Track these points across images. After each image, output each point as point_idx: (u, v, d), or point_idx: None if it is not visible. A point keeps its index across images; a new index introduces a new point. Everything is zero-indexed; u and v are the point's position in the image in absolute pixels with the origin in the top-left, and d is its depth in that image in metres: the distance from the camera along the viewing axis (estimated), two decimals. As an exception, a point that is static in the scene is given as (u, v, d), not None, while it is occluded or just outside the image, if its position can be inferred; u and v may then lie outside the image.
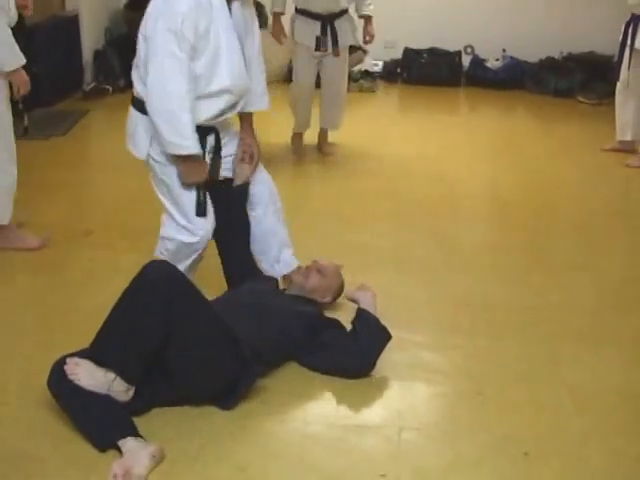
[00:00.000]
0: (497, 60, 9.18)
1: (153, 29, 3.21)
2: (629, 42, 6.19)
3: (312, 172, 6.17)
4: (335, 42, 5.97)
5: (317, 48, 5.97)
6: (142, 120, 3.40)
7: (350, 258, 4.33)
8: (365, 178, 5.90)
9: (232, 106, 3.47)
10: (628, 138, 6.58)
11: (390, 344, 3.31)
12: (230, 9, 3.36)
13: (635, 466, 2.82)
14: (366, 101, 8.56)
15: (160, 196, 3.56)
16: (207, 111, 3.37)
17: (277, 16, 6.13)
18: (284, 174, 6.01)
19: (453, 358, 3.47)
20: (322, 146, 6.54)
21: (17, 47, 4.12)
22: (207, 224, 3.51)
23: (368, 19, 6.21)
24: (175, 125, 3.24)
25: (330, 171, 6.12)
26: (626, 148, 6.60)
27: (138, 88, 3.39)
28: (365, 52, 8.77)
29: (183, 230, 3.50)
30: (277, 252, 3.85)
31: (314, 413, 3.11)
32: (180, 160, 3.36)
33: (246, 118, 3.69)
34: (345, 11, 6.01)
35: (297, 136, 6.48)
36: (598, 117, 7.79)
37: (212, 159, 3.51)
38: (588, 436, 2.96)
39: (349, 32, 6.06)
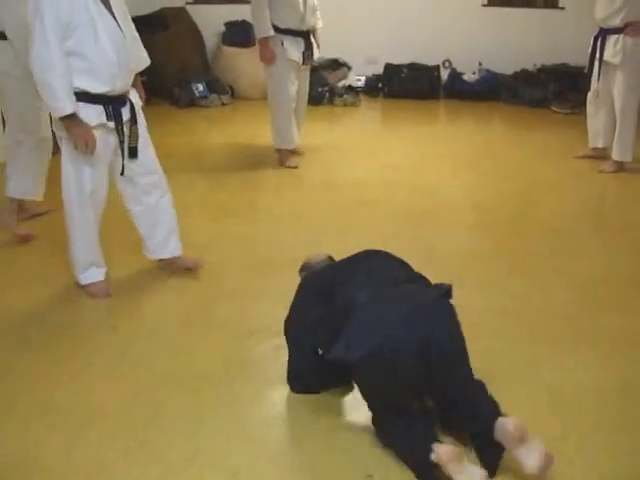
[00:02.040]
0: (474, 73, 9.45)
1: (28, 19, 3.66)
2: (598, 54, 6.40)
3: (296, 183, 6.28)
4: (312, 55, 6.47)
5: (303, 62, 6.43)
6: None
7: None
8: (349, 188, 6.04)
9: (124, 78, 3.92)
10: (600, 145, 6.81)
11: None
12: None
13: (614, 462, 2.88)
14: (350, 115, 8.80)
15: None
16: (103, 84, 3.81)
17: (267, 40, 6.31)
18: (269, 184, 6.31)
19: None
20: (294, 150, 6.85)
21: None
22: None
23: (318, 31, 6.63)
24: (52, 91, 3.67)
25: (315, 182, 6.27)
26: (599, 155, 6.83)
27: None
28: (349, 68, 9.04)
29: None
30: (166, 237, 4.35)
31: (304, 416, 3.16)
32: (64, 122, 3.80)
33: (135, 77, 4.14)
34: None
35: (288, 152, 6.71)
36: (571, 126, 8.02)
37: (130, 129, 4.01)
38: (567, 435, 3.02)
39: (315, 43, 6.54)
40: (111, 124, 3.90)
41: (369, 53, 9.17)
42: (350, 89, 9.27)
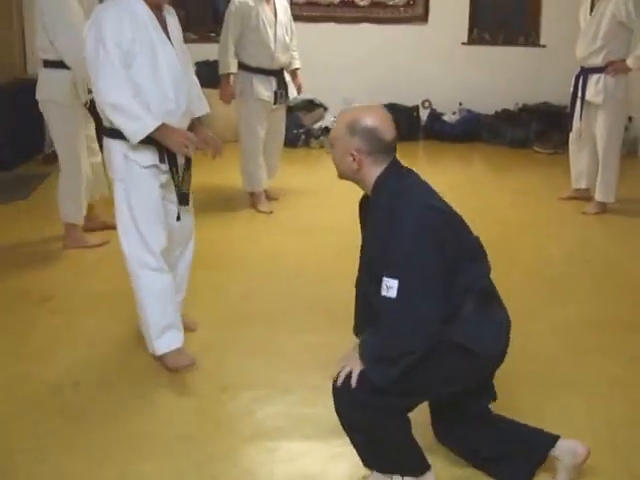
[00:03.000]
0: (454, 113, 9.35)
1: (87, 44, 3.46)
2: (580, 93, 6.36)
3: (271, 229, 6.15)
4: (286, 94, 6.31)
5: (275, 102, 6.24)
6: (115, 143, 3.59)
7: (312, 316, 4.40)
8: (325, 234, 5.92)
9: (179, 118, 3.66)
10: (583, 186, 6.71)
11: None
12: (162, 20, 3.62)
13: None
14: (327, 157, 8.49)
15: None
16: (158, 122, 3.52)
17: (227, 78, 6.22)
18: (242, 230, 6.12)
19: (415, 414, 3.43)
20: (269, 194, 6.69)
21: None
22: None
23: (297, 71, 6.49)
24: (127, 113, 3.42)
25: (290, 227, 6.12)
26: (582, 196, 6.73)
27: (104, 116, 3.59)
28: (325, 109, 8.90)
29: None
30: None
31: (279, 476, 3.08)
32: (155, 137, 3.50)
33: (195, 124, 3.88)
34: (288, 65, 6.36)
35: (261, 195, 6.55)
36: (554, 166, 7.96)
37: (184, 174, 3.72)
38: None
39: (291, 84, 6.39)
40: (164, 166, 3.64)
41: (346, 94, 9.02)
42: (327, 131, 9.00)
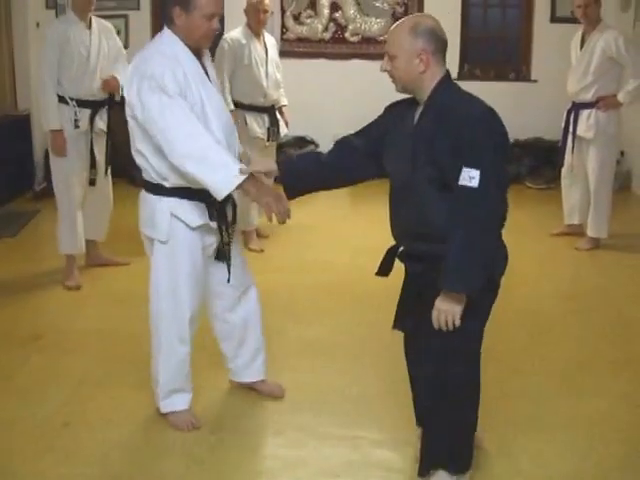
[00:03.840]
0: (446, 148, 9.33)
1: (141, 99, 3.21)
2: (571, 128, 6.36)
3: (261, 267, 5.90)
4: (277, 131, 6.35)
5: (268, 139, 6.26)
6: (160, 201, 3.36)
7: (303, 355, 4.37)
8: (316, 272, 5.86)
9: None
10: (576, 222, 6.69)
11: (344, 442, 3.31)
12: (202, 63, 3.42)
13: None
14: (317, 194, 8.51)
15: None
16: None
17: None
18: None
19: (408, 454, 3.40)
20: (259, 231, 6.69)
21: None
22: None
23: (284, 108, 6.52)
24: (211, 162, 3.15)
25: (281, 265, 6.07)
26: (574, 231, 6.71)
27: (149, 170, 3.36)
28: (316, 146, 8.91)
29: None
30: (254, 353, 3.86)
31: None
32: (243, 188, 3.19)
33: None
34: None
35: (252, 232, 6.52)
36: (546, 201, 7.94)
37: (228, 231, 3.48)
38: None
39: (282, 121, 6.42)
40: (214, 224, 3.43)
41: (336, 130, 8.97)
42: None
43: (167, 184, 3.34)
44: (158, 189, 3.36)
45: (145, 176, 3.42)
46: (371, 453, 3.44)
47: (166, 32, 3.36)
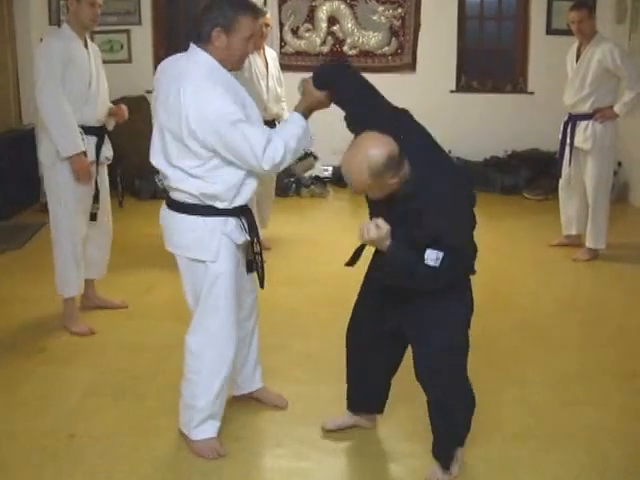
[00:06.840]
0: (444, 160, 9.36)
1: (224, 140, 3.19)
2: (568, 140, 6.40)
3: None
4: None
5: None
6: (205, 222, 3.33)
7: (304, 367, 4.39)
8: (317, 285, 5.86)
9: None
10: (574, 232, 6.73)
11: (346, 454, 3.37)
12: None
13: None
14: (318, 206, 8.66)
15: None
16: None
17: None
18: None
19: (410, 466, 3.44)
20: (262, 244, 6.62)
21: None
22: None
23: None
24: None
25: (281, 278, 5.96)
26: (572, 242, 6.74)
27: (191, 191, 3.30)
28: (315, 158, 8.91)
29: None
30: (257, 359, 3.92)
31: None
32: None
33: None
34: None
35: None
36: (544, 212, 7.95)
37: (259, 242, 3.55)
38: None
39: None
40: (246, 238, 3.45)
41: (335, 144, 9.01)
42: (317, 180, 9.08)
43: (219, 204, 3.31)
44: (199, 209, 3.32)
45: (178, 197, 3.36)
46: (373, 465, 3.46)
47: (201, 54, 3.30)
